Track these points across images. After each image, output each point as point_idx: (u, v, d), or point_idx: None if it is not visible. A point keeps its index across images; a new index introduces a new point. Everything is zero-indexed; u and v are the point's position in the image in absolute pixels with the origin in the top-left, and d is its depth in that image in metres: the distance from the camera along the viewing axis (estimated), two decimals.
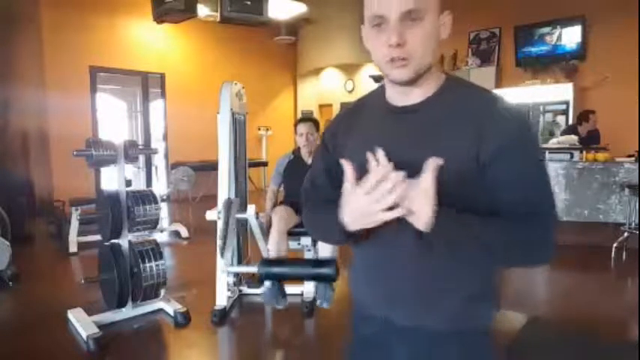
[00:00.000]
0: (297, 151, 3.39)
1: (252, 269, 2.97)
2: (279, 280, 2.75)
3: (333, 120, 1.08)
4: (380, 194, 0.79)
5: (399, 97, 0.93)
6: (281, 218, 3.00)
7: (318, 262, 2.77)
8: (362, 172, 0.85)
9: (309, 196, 1.09)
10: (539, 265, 0.87)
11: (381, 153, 0.82)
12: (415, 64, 0.85)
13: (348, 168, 0.84)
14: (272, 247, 2.96)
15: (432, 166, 0.78)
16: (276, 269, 2.69)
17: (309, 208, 1.07)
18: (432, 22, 0.84)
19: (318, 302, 2.82)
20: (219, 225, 2.94)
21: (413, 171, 0.80)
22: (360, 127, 0.99)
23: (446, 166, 0.80)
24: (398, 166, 0.80)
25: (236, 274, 3.10)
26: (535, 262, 0.88)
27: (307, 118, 3.48)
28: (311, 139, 3.29)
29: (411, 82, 0.87)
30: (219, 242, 2.90)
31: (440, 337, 0.94)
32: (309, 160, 3.25)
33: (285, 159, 3.43)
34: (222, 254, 2.96)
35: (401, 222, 0.82)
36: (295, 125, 3.37)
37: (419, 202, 0.79)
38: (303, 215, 1.10)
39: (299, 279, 3.04)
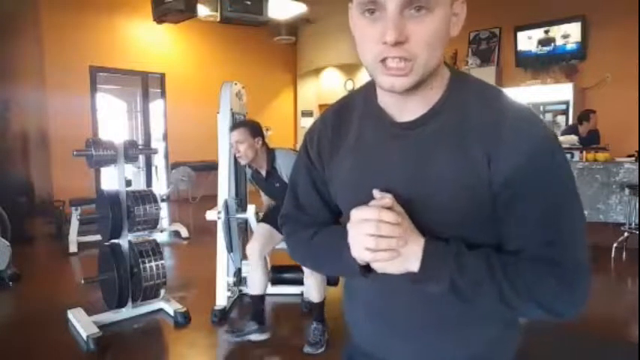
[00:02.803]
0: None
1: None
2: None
3: (314, 127, 0.87)
4: (367, 229, 0.65)
5: (396, 108, 0.74)
6: (261, 250, 2.64)
7: None
8: (358, 195, 0.73)
9: (298, 221, 0.89)
10: (562, 320, 0.70)
11: (387, 197, 0.69)
12: (417, 69, 0.64)
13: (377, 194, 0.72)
14: (255, 285, 2.66)
15: (381, 202, 0.68)
16: (285, 275, 2.78)
17: (302, 235, 0.87)
18: (442, 14, 0.62)
19: (305, 349, 2.56)
20: (219, 225, 2.94)
21: (416, 204, 0.70)
22: (351, 141, 0.80)
23: (450, 196, 0.69)
24: (398, 199, 0.69)
25: (236, 274, 3.10)
26: (554, 318, 0.69)
27: (238, 124, 2.81)
28: (242, 149, 2.63)
29: (410, 90, 0.67)
30: (225, 240, 2.91)
31: None
32: (262, 171, 2.78)
33: (248, 170, 2.97)
34: (229, 250, 2.97)
35: None
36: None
37: (403, 242, 0.67)
38: (291, 244, 0.92)
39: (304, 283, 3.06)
